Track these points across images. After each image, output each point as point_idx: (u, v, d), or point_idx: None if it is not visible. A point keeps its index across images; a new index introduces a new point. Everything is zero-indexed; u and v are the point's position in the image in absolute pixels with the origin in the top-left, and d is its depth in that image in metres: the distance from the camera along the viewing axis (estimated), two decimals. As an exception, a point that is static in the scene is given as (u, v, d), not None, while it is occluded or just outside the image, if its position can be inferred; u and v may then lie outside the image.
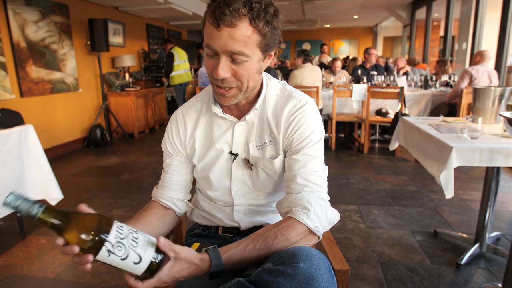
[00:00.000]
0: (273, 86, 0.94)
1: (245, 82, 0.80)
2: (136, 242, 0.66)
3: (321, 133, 0.89)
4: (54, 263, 1.94)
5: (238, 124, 0.91)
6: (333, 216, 0.84)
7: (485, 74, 3.66)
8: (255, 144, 0.91)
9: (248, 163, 0.92)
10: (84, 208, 0.68)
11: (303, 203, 0.81)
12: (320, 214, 0.80)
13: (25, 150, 2.07)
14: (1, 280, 1.80)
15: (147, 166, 3.79)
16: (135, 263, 0.65)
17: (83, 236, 0.62)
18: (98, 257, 0.63)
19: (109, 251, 0.63)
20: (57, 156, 4.24)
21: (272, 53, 0.83)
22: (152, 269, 0.67)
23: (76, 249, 0.62)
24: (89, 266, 0.65)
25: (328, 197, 0.86)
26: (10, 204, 0.58)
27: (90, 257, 0.63)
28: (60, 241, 0.62)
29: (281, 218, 0.88)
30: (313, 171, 0.85)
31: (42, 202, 0.62)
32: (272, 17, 0.75)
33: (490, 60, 3.75)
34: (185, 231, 1.11)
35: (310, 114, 0.88)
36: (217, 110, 0.90)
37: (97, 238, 0.63)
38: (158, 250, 0.68)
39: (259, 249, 0.74)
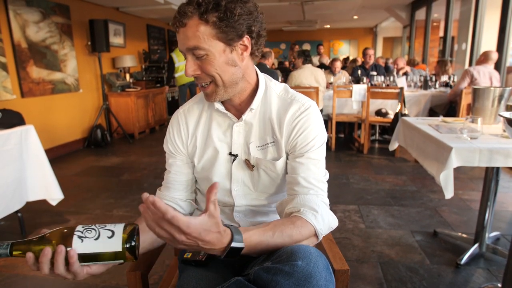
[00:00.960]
0: (274, 87, 0.94)
1: (216, 76, 0.82)
2: (104, 224, 0.68)
3: (324, 137, 0.90)
4: (55, 263, 1.94)
5: (236, 124, 0.92)
6: (333, 221, 0.86)
7: (486, 75, 3.65)
8: (256, 145, 0.92)
9: (249, 164, 0.92)
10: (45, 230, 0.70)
11: (311, 204, 0.82)
12: (324, 218, 0.82)
13: (26, 150, 2.07)
14: (2, 280, 1.80)
15: (148, 166, 3.80)
16: (109, 237, 0.65)
17: (55, 241, 0.65)
18: (73, 247, 0.64)
19: (80, 237, 0.65)
20: (58, 156, 4.24)
21: (247, 44, 0.82)
22: (132, 246, 0.66)
23: (49, 250, 0.63)
24: (76, 265, 0.64)
25: (328, 202, 0.88)
26: None
27: (62, 248, 0.63)
28: (31, 258, 0.63)
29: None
30: (316, 174, 0.87)
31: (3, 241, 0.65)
32: (226, 6, 0.76)
33: (494, 62, 3.71)
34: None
35: (313, 118, 0.89)
36: (219, 106, 0.91)
37: (65, 232, 0.65)
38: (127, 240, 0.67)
39: (277, 236, 0.75)
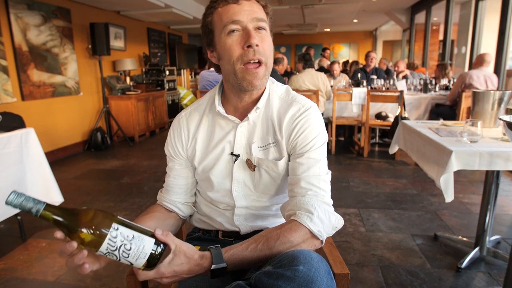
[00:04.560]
0: (276, 89, 0.95)
1: (269, 57, 0.86)
2: (129, 250, 0.67)
3: (324, 137, 0.90)
4: (54, 266, 1.94)
5: (240, 125, 0.92)
6: (337, 221, 0.84)
7: (481, 78, 3.65)
8: (258, 145, 0.92)
9: (251, 164, 0.92)
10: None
11: (307, 206, 0.81)
12: (323, 219, 0.80)
13: (26, 153, 2.07)
14: (1, 284, 1.80)
15: (148, 169, 3.80)
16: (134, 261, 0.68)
17: (85, 230, 0.64)
18: (99, 251, 0.66)
19: (110, 248, 0.66)
20: (58, 159, 4.24)
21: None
22: (153, 263, 0.69)
23: (75, 245, 0.64)
24: (86, 266, 0.67)
25: (331, 202, 0.86)
26: (12, 202, 0.60)
27: (85, 252, 0.66)
28: (59, 234, 0.65)
29: (282, 222, 0.88)
30: (317, 174, 0.86)
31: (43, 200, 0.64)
32: (267, 4, 0.88)
33: (489, 64, 3.72)
34: (185, 234, 1.12)
35: (313, 118, 0.90)
36: (220, 109, 0.92)
37: (98, 233, 0.64)
38: (157, 242, 0.69)
39: (261, 249, 0.75)
